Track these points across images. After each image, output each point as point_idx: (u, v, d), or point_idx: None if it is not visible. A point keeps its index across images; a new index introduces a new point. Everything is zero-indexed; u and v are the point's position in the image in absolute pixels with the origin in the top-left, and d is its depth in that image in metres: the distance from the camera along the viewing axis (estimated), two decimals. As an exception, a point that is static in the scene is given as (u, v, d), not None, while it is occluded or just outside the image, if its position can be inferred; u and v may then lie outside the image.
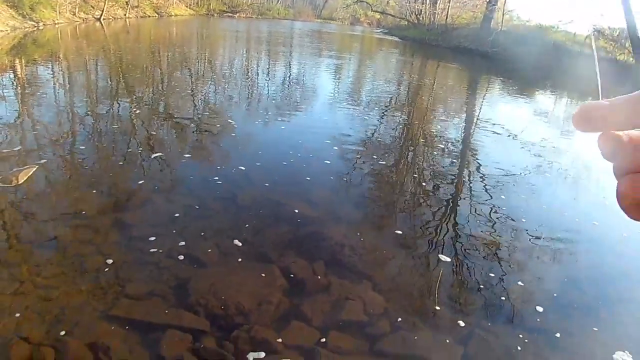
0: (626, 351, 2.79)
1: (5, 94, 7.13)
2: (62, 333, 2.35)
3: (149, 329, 2.47)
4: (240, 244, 3.35)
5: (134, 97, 7.98)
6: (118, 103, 7.39)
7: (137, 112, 6.85)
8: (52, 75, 9.23)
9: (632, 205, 0.32)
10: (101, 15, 23.70)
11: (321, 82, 12.39)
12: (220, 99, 8.69)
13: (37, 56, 11.57)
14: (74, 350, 2.26)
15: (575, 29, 26.88)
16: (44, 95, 7.26)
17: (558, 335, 2.90)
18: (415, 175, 5.65)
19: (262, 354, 2.36)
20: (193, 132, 6.17)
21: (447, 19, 33.10)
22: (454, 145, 7.20)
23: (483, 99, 13.14)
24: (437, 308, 2.96)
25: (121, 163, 4.70)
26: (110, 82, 9.23)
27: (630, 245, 4.26)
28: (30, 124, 5.75)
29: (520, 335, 2.85)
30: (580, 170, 6.89)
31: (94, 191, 3.99)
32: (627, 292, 3.60)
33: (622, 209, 0.33)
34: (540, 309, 3.13)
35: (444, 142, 7.24)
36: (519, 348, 2.73)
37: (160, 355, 2.30)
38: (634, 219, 0.33)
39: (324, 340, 2.55)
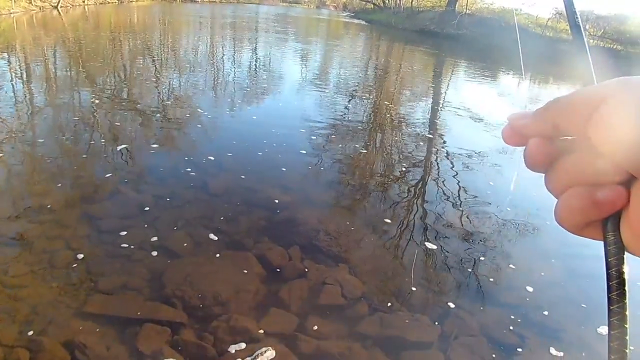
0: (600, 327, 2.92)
1: (-43, 87, 6.78)
2: (35, 333, 2.28)
3: (126, 324, 2.42)
4: (214, 233, 3.31)
5: (96, 87, 7.72)
6: (79, 93, 7.14)
7: (100, 102, 6.63)
8: (8, 67, 8.81)
9: (573, 227, 0.33)
10: (58, 2, 22.72)
11: (289, 67, 12.27)
12: (185, 87, 8.50)
13: (-9, 46, 11.02)
14: (49, 349, 2.20)
15: (537, 12, 27.45)
16: (1, 88, 6.94)
17: (531, 309, 3.00)
18: (385, 159, 5.70)
19: (243, 345, 2.35)
20: (159, 121, 6.02)
21: (413, 2, 33.24)
22: (421, 128, 7.28)
23: (449, 81, 13.31)
24: (413, 289, 3.01)
25: (85, 155, 4.55)
26: (70, 72, 8.89)
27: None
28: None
29: (494, 311, 2.93)
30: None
31: (59, 185, 3.86)
32: (591, 267, 3.75)
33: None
34: (511, 285, 3.23)
35: (411, 125, 7.31)
36: (495, 324, 2.81)
37: (139, 350, 2.26)
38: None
39: (303, 325, 2.56)
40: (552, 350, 2.69)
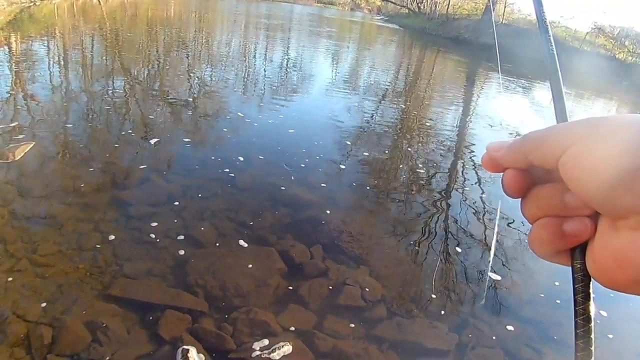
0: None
1: (0, 70, 7.02)
2: (59, 311, 2.34)
3: (147, 309, 2.47)
4: (238, 227, 3.35)
5: (130, 76, 7.89)
6: (113, 82, 7.30)
7: (134, 92, 6.78)
8: (47, 52, 9.08)
9: (543, 254, 0.35)
10: (98, -9, 23.27)
11: (320, 68, 12.31)
12: (218, 83, 8.61)
13: (33, 32, 11.39)
14: (72, 328, 2.25)
15: (576, 26, 26.86)
16: (40, 72, 7.16)
17: (551, 326, 2.94)
18: (411, 165, 5.66)
19: (261, 338, 2.37)
20: (190, 114, 6.12)
21: (448, 9, 32.92)
22: (449, 136, 7.21)
23: (480, 90, 13.13)
24: (433, 296, 2.99)
25: (117, 142, 4.66)
26: (106, 61, 9.11)
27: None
28: (26, 101, 5.67)
29: (512, 326, 2.89)
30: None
31: (91, 169, 3.96)
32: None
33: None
34: (533, 301, 3.18)
35: (439, 133, 7.25)
36: (512, 338, 2.77)
37: (159, 335, 2.31)
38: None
39: (321, 324, 2.57)
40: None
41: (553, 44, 0.43)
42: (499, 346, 2.69)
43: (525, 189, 0.36)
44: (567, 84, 16.12)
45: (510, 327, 2.86)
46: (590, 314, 0.32)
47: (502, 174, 0.37)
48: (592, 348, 0.32)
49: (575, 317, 0.33)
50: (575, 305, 0.33)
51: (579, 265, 0.33)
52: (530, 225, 0.36)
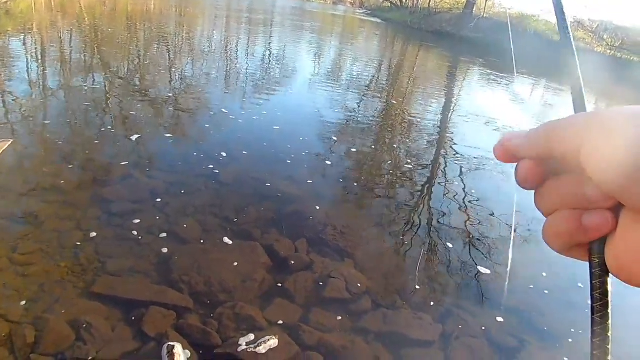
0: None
1: (-25, 65, 6.85)
2: (42, 310, 2.31)
3: (132, 306, 2.45)
4: (223, 222, 3.33)
5: (110, 72, 7.77)
6: (93, 78, 7.18)
7: (114, 87, 6.68)
8: (25, 48, 8.89)
9: (559, 248, 0.34)
10: (76, -15, 22.81)
11: (302, 62, 12.27)
12: (200, 77, 8.53)
13: (10, 28, 11.12)
14: (55, 328, 2.22)
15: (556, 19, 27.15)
16: (18, 69, 7.00)
17: (533, 315, 3.00)
18: (394, 158, 5.70)
19: (247, 333, 2.37)
20: (172, 110, 6.06)
21: (430, 3, 33.06)
22: (431, 128, 7.26)
23: (462, 83, 13.25)
24: (417, 287, 3.02)
25: (97, 139, 4.59)
26: (85, 57, 8.95)
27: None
28: (3, 98, 5.55)
29: (497, 316, 2.94)
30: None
31: (70, 166, 3.90)
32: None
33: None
34: (514, 291, 3.23)
35: (422, 126, 7.30)
36: (495, 328, 2.81)
37: (144, 332, 2.29)
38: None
39: (307, 317, 2.58)
40: (553, 356, 2.69)
41: (572, 36, 0.42)
42: (484, 336, 2.74)
43: (541, 180, 0.34)
44: (549, 78, 16.37)
45: (494, 318, 2.91)
46: (608, 310, 0.31)
47: (513, 165, 0.36)
48: (609, 346, 0.31)
49: (592, 313, 0.32)
50: (592, 302, 0.32)
51: (597, 260, 0.31)
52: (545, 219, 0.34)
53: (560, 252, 0.34)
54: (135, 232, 3.03)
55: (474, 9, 28.25)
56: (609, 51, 22.29)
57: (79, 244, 2.86)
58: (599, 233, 0.31)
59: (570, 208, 0.32)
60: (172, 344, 2.21)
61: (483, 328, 2.79)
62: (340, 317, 2.63)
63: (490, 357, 2.61)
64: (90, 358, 2.14)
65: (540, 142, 0.33)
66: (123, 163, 4.06)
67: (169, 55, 10.18)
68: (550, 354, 2.72)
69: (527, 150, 0.34)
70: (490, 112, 9.00)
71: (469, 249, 3.63)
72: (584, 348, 2.79)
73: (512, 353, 2.67)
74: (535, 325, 2.92)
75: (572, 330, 2.92)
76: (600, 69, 16.93)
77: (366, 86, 10.01)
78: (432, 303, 2.92)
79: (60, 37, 10.75)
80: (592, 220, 0.31)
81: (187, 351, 2.21)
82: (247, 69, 9.96)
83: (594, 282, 0.32)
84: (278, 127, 5.76)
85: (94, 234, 2.95)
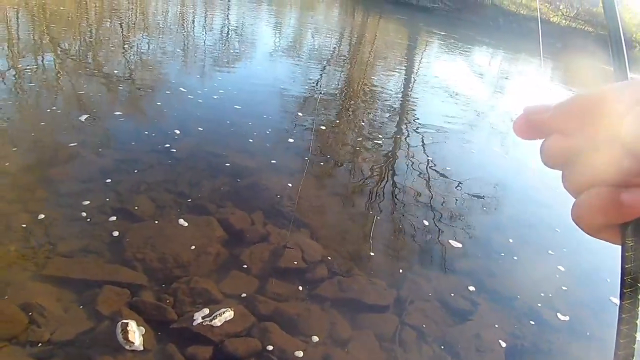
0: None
1: None
2: (-9, 296, 2.26)
3: (85, 286, 2.42)
4: (177, 197, 3.30)
5: (60, 50, 7.43)
6: (42, 58, 6.86)
7: (64, 66, 6.40)
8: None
9: (590, 228, 0.31)
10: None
11: (260, 35, 12.03)
12: (155, 53, 8.26)
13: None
14: (7, 312, 2.18)
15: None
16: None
17: (485, 277, 3.13)
18: (355, 129, 5.73)
19: (202, 307, 2.38)
20: (125, 88, 5.86)
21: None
22: (393, 100, 7.32)
23: (423, 54, 13.33)
24: (372, 254, 3.10)
25: (44, 121, 4.41)
26: (33, 36, 8.51)
27: (552, 196, 4.56)
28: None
29: (449, 278, 3.05)
30: (511, 126, 7.24)
31: (15, 148, 3.74)
32: (546, 239, 3.92)
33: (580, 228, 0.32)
34: (468, 253, 3.36)
35: (383, 97, 7.34)
36: (450, 291, 2.93)
37: (98, 311, 2.27)
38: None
39: (263, 288, 2.61)
40: (504, 317, 2.83)
41: (617, 7, 0.41)
42: (436, 299, 2.84)
43: (571, 157, 0.31)
44: (504, 47, 16.65)
45: (448, 281, 3.02)
46: (639, 297, 0.29)
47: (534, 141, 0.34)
48: (637, 334, 0.30)
49: (622, 300, 0.30)
50: (622, 287, 0.30)
51: (631, 243, 0.29)
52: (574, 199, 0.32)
53: (591, 233, 0.32)
54: (85, 213, 2.96)
55: (539, 14, 28.18)
56: (564, 21, 22.80)
57: (27, 226, 2.78)
58: (638, 212, 0.28)
59: (606, 185, 0.29)
60: (126, 321, 2.20)
61: (436, 291, 2.90)
62: (296, 286, 2.68)
63: (443, 320, 2.72)
64: (44, 340, 2.11)
65: (572, 115, 0.31)
66: (72, 144, 3.92)
67: (122, 31, 9.80)
68: (501, 315, 2.86)
69: (558, 124, 0.32)
70: (449, 83, 9.13)
71: (425, 216, 3.73)
72: (533, 307, 2.94)
73: (464, 315, 2.79)
74: (487, 287, 3.05)
75: (519, 295, 3.06)
76: (554, 38, 17.30)
77: (327, 58, 9.94)
78: (386, 269, 3.01)
79: (5, 16, 10.17)
80: (631, 197, 0.28)
81: (141, 328, 2.21)
82: (205, 43, 9.70)
83: (626, 266, 0.29)
84: (235, 101, 5.67)
85: (42, 216, 2.86)
